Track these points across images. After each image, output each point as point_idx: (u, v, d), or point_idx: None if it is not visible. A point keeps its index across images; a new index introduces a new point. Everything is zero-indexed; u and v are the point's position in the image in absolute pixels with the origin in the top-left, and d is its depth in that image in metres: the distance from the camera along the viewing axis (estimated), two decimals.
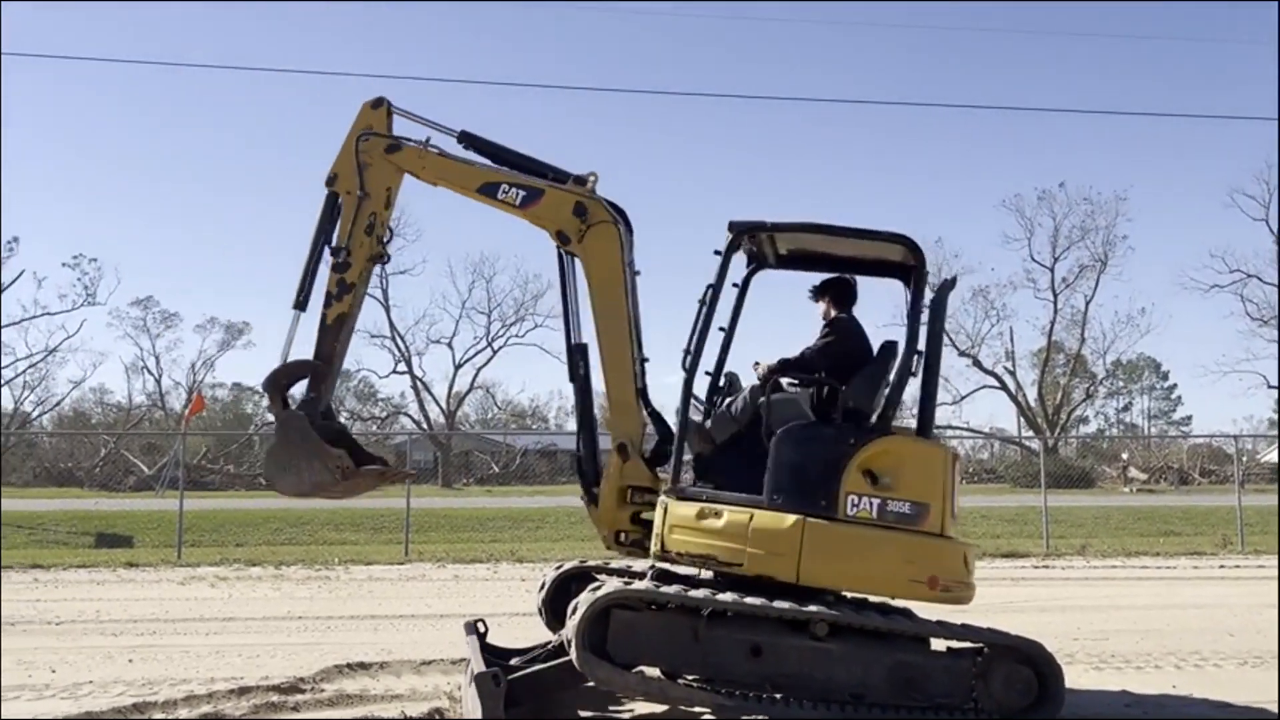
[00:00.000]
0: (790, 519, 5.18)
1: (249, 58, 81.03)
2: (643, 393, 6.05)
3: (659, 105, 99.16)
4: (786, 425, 5.49)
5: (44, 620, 9.21)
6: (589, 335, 6.13)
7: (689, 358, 5.69)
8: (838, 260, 6.33)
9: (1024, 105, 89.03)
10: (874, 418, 5.65)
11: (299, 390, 6.16)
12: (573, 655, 5.01)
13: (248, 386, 61.11)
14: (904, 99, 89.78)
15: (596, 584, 5.46)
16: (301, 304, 6.25)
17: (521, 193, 6.01)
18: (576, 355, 6.23)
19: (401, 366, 49.98)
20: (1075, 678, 6.56)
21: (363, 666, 6.90)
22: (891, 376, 5.74)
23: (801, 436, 5.43)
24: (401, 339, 49.65)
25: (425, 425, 50.03)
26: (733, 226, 5.69)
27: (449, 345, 50.36)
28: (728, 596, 5.14)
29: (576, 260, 6.14)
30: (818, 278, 6.33)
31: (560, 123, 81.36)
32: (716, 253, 5.70)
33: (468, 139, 6.26)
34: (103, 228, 79.45)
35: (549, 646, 5.90)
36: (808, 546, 5.14)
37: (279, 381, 6.09)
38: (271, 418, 6.35)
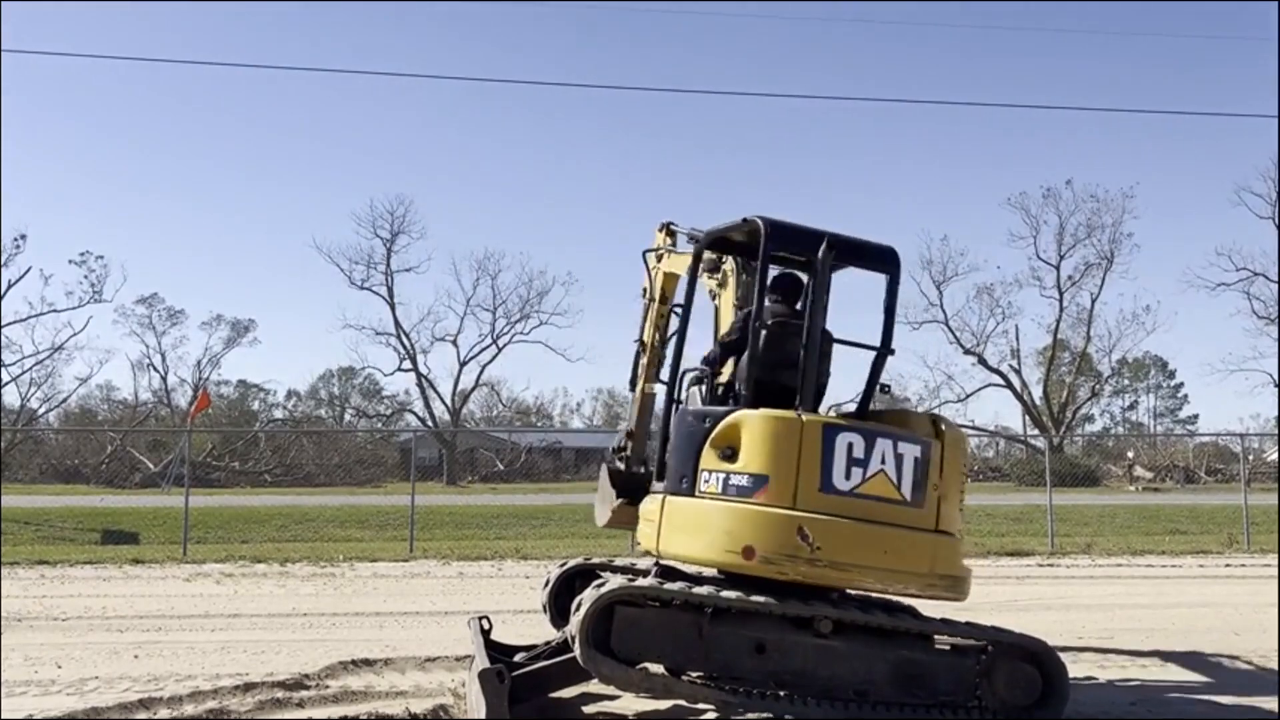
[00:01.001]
0: (657, 499, 5.61)
1: (256, 56, 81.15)
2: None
3: (664, 104, 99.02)
4: (679, 412, 5.85)
5: (50, 616, 9.24)
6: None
7: (670, 370, 6.05)
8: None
9: (1030, 103, 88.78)
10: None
11: None
12: (577, 651, 5.03)
13: (253, 384, 61.36)
14: (910, 96, 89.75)
15: (600, 581, 5.47)
16: (631, 384, 7.79)
17: (703, 264, 6.81)
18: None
19: (406, 364, 50.07)
20: (1080, 676, 6.56)
21: (367, 663, 6.92)
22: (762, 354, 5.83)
23: (677, 423, 5.74)
24: (406, 336, 49.61)
25: (430, 423, 50.06)
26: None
27: (454, 343, 50.42)
28: (731, 594, 5.14)
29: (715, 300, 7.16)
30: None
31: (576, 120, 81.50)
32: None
33: (690, 236, 7.37)
34: (109, 225, 79.72)
35: (553, 643, 5.92)
36: (664, 522, 5.51)
37: (617, 444, 7.66)
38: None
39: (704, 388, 6.03)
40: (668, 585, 5.23)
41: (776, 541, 5.13)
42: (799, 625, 5.20)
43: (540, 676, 5.45)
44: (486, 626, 6.01)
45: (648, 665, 5.18)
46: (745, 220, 5.77)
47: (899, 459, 5.39)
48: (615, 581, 5.30)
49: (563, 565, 6.87)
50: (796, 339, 5.57)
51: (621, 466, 7.37)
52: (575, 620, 5.07)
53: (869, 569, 5.27)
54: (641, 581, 5.34)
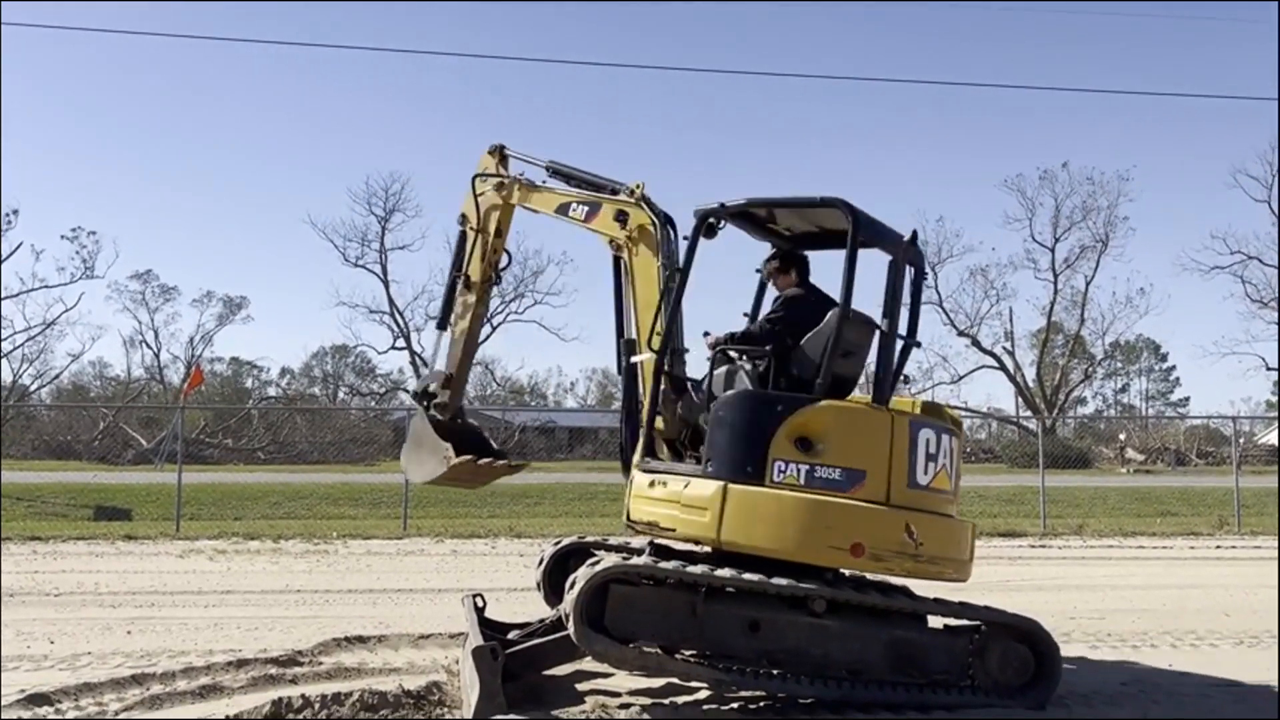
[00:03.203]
0: (714, 485, 5.24)
1: (251, 32, 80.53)
2: (679, 382, 6.06)
3: (660, 82, 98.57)
4: (724, 394, 5.56)
5: (42, 592, 9.22)
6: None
7: (661, 340, 5.77)
8: (826, 234, 6.32)
9: (1027, 84, 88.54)
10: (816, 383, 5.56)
11: None
12: (571, 629, 5.02)
13: (246, 361, 61.30)
14: (906, 76, 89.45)
15: (595, 559, 5.47)
16: (443, 324, 7.31)
17: (585, 208, 6.57)
18: (625, 349, 6.33)
19: (400, 342, 50.02)
20: (1072, 656, 6.58)
21: (361, 640, 6.91)
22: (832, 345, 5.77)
23: (734, 405, 5.44)
24: (400, 315, 49.65)
25: None
26: (696, 213, 5.82)
27: None
28: (726, 572, 5.13)
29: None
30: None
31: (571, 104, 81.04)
32: (685, 238, 5.82)
33: (553, 169, 6.97)
34: (101, 200, 79.28)
35: (547, 621, 5.92)
36: (729, 511, 5.19)
37: (423, 389, 7.21)
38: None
39: (748, 368, 5.74)
40: (662, 564, 5.22)
41: (886, 539, 5.18)
42: (793, 604, 5.20)
43: (534, 654, 5.45)
44: (480, 604, 6.00)
45: (641, 643, 5.18)
46: (831, 201, 5.60)
47: (950, 453, 5.58)
48: (609, 560, 5.30)
49: (556, 544, 6.85)
50: (861, 328, 5.67)
51: (442, 416, 6.98)
52: (569, 598, 5.06)
53: (951, 561, 5.44)
54: (636, 560, 5.33)
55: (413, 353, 50.39)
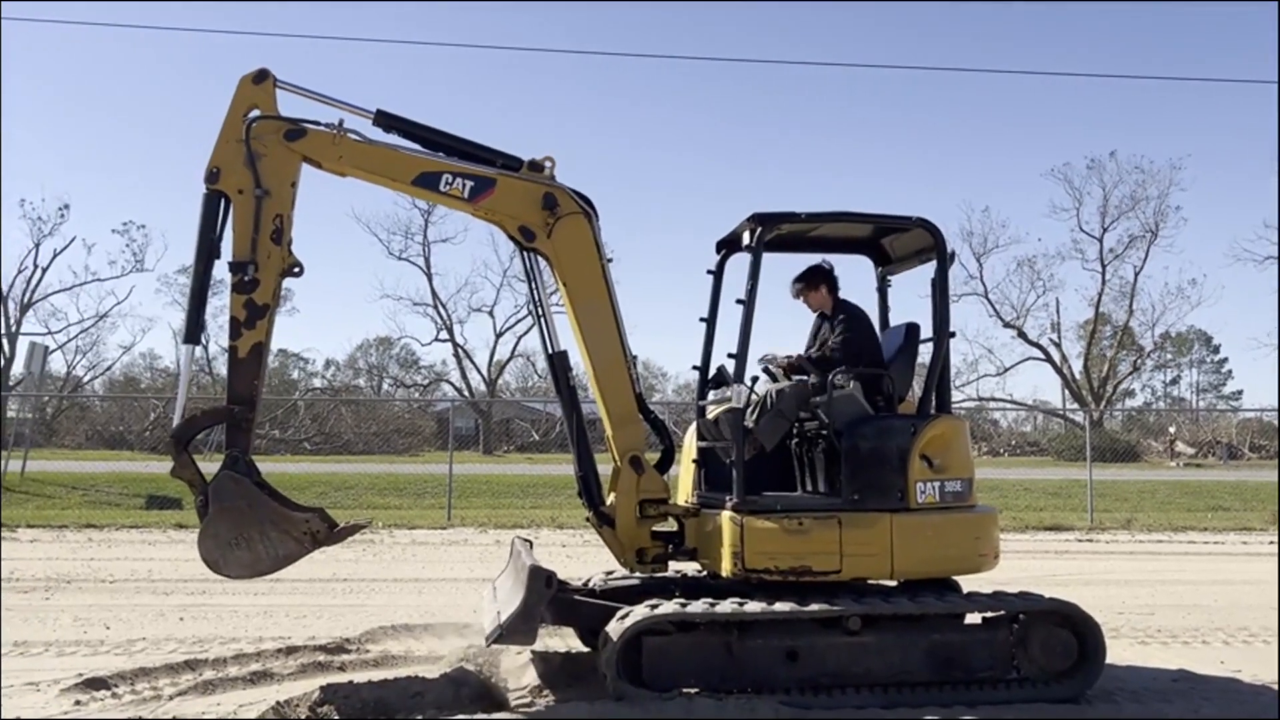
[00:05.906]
0: (878, 518, 5.24)
1: (292, 25, 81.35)
2: (640, 397, 5.73)
3: (683, 72, 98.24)
4: (851, 421, 5.43)
5: (98, 578, 9.44)
6: (566, 340, 5.73)
7: (737, 363, 5.47)
8: (817, 241, 6.31)
9: (1075, 71, 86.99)
10: (920, 401, 5.68)
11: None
12: (609, 687, 4.89)
13: (292, 353, 62.03)
14: (951, 65, 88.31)
15: (623, 612, 5.13)
16: (195, 336, 5.45)
17: (469, 183, 5.33)
18: (559, 365, 5.76)
19: (443, 334, 50.39)
20: (1120, 652, 6.50)
21: (407, 628, 6.99)
22: (923, 359, 5.95)
23: (870, 431, 5.40)
24: (443, 307, 49.93)
25: (467, 393, 50.39)
26: (758, 219, 5.49)
27: (490, 313, 50.62)
28: (755, 607, 5.05)
29: (541, 258, 5.58)
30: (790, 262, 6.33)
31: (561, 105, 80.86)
32: (746, 248, 5.49)
33: (386, 119, 5.43)
34: (150, 195, 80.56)
35: (589, 585, 5.89)
36: (898, 542, 5.23)
37: (189, 436, 5.23)
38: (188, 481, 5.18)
39: (857, 390, 5.55)
40: (690, 607, 5.04)
41: (996, 536, 5.56)
42: (827, 626, 5.13)
43: (573, 605, 5.36)
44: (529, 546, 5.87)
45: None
46: (921, 221, 5.64)
47: None
48: (637, 612, 5.05)
49: (586, 583, 6.38)
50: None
51: (249, 475, 5.15)
52: (604, 656, 4.94)
53: None
54: (663, 608, 5.05)
55: (456, 345, 50.76)
